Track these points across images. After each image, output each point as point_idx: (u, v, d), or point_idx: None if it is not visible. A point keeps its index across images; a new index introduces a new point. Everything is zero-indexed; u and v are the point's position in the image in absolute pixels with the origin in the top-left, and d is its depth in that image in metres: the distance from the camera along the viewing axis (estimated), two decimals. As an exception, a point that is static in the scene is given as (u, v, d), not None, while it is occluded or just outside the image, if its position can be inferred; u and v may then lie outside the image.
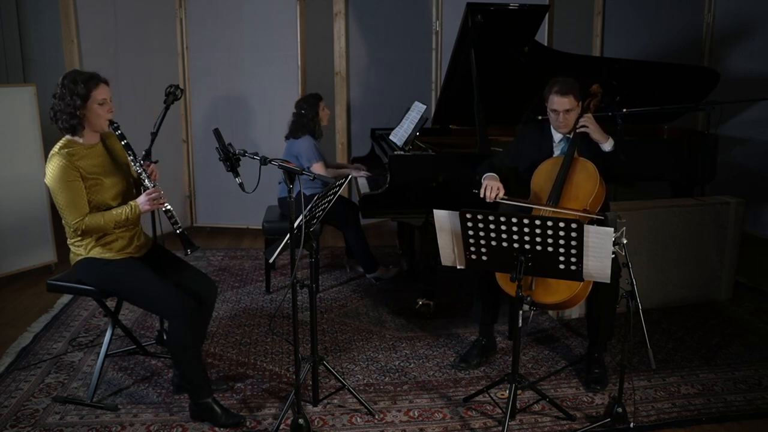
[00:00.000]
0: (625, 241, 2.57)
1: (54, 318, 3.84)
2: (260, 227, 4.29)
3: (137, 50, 5.10)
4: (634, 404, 2.92)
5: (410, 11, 5.61)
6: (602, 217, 2.80)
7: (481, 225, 2.56)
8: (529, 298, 2.69)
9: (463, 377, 3.21)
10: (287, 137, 4.39)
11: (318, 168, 4.24)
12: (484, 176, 3.21)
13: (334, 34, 5.49)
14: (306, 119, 4.29)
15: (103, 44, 4.90)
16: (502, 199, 3.06)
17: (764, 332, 3.70)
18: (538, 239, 2.51)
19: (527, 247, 2.54)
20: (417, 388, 3.11)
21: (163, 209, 2.82)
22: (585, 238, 2.45)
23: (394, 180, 3.65)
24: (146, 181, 2.82)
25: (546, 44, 5.27)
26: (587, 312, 3.33)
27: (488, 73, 3.94)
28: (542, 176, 3.14)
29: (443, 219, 2.67)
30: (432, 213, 2.72)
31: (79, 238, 2.78)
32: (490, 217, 2.52)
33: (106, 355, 3.03)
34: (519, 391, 2.93)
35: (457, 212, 2.58)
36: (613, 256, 2.48)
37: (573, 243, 2.47)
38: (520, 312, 2.63)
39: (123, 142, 2.81)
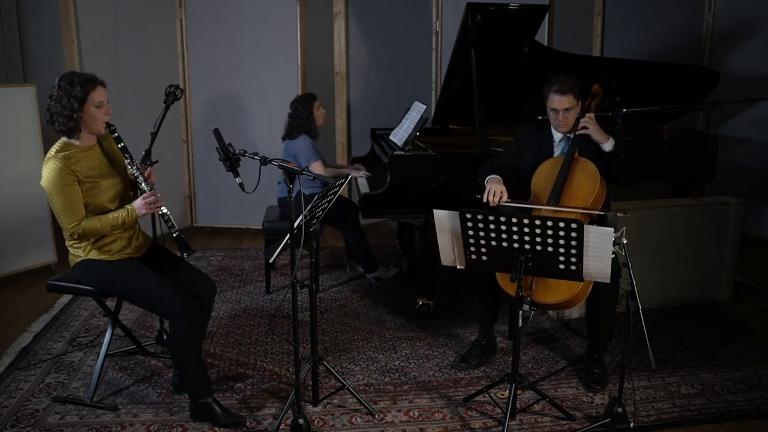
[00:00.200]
0: (625, 241, 2.57)
1: (54, 318, 3.84)
2: (260, 227, 4.29)
3: (137, 50, 5.10)
4: (634, 404, 2.92)
5: (410, 11, 5.62)
6: (603, 213, 2.80)
7: (481, 225, 2.56)
8: (529, 298, 2.69)
9: (463, 377, 3.21)
10: (284, 138, 4.40)
11: (317, 167, 4.24)
12: (487, 179, 3.20)
13: (334, 34, 5.49)
14: (301, 119, 4.29)
15: (103, 44, 4.90)
16: (506, 202, 3.05)
17: (764, 332, 3.70)
18: (538, 239, 2.51)
19: (527, 247, 2.54)
20: (417, 388, 3.11)
21: (160, 213, 2.81)
22: (585, 238, 2.45)
23: (394, 180, 3.65)
24: (143, 184, 2.81)
25: (546, 44, 5.27)
26: (587, 312, 3.33)
27: (488, 73, 3.94)
28: (543, 176, 3.14)
29: (443, 219, 2.67)
30: (432, 213, 2.72)
31: (77, 241, 2.77)
32: (490, 217, 2.52)
33: (106, 355, 3.03)
34: (519, 391, 2.93)
35: (457, 212, 2.58)
36: (613, 256, 2.48)
37: (573, 243, 2.47)
38: (520, 312, 2.63)
39: (120, 145, 2.80)
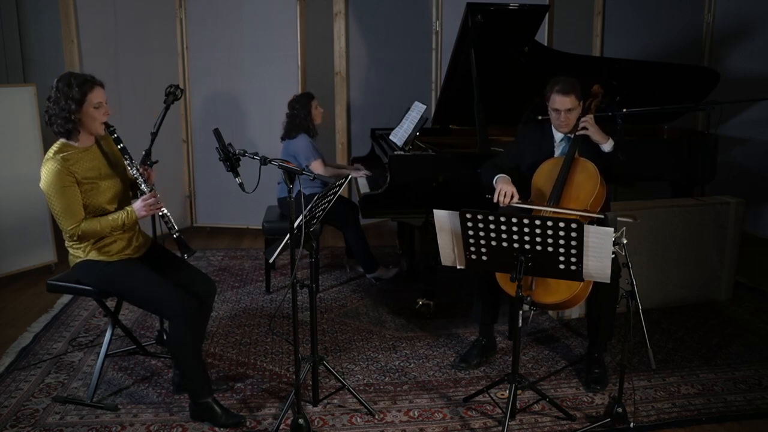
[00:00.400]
0: (625, 241, 2.57)
1: (54, 318, 3.84)
2: (260, 227, 4.29)
3: (137, 50, 5.11)
4: (634, 404, 2.92)
5: (410, 11, 5.62)
6: (602, 216, 2.80)
7: (481, 225, 2.56)
8: (529, 298, 2.69)
9: (463, 377, 3.21)
10: (283, 138, 4.40)
11: (316, 166, 4.24)
12: (496, 178, 3.19)
13: (334, 34, 5.49)
14: (299, 119, 4.30)
15: (103, 44, 4.90)
16: (517, 203, 3.04)
17: (764, 332, 3.70)
18: (538, 239, 2.51)
19: (527, 247, 2.54)
20: (417, 388, 3.11)
21: (160, 214, 2.81)
22: (585, 238, 2.45)
23: (394, 180, 3.65)
24: (143, 185, 2.80)
25: (546, 44, 5.27)
26: (587, 312, 3.33)
27: (488, 73, 3.94)
28: (543, 176, 3.14)
29: (443, 219, 2.67)
30: (432, 213, 2.72)
31: (77, 242, 2.77)
32: (490, 217, 2.52)
33: (106, 355, 3.03)
34: (519, 391, 2.93)
35: (457, 212, 2.58)
36: (613, 256, 2.48)
37: (573, 243, 2.47)
38: (520, 312, 2.63)
39: (119, 146, 2.80)
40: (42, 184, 2.66)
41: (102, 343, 3.06)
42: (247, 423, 2.79)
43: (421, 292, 3.88)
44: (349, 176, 3.37)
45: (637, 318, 2.52)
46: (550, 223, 2.46)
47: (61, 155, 2.67)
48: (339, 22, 5.46)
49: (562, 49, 4.42)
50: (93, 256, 2.78)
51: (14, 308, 4.00)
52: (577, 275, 2.55)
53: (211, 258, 5.00)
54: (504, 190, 3.07)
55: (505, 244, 2.56)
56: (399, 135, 4.11)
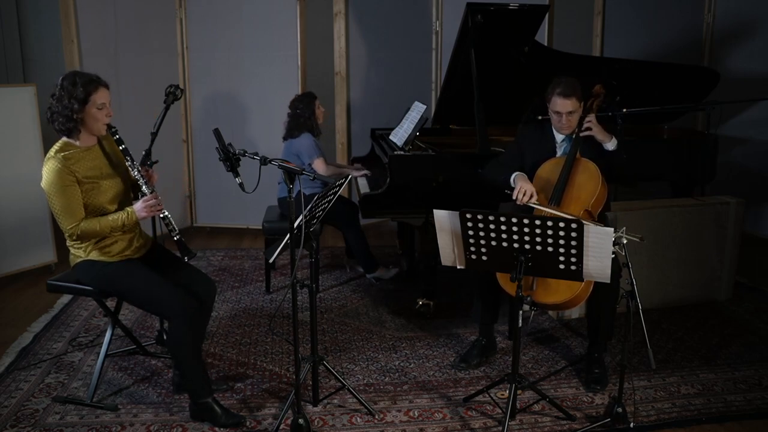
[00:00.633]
0: (625, 241, 2.57)
1: (54, 318, 3.84)
2: (260, 227, 4.29)
3: (137, 50, 5.10)
4: (634, 404, 2.92)
5: (410, 11, 5.62)
6: (602, 224, 2.80)
7: (481, 225, 2.55)
8: (529, 298, 2.69)
9: (463, 377, 3.21)
10: (285, 138, 4.40)
11: (319, 164, 4.25)
12: (514, 176, 3.18)
13: (334, 34, 5.49)
14: (303, 118, 4.30)
15: (103, 44, 4.90)
16: (535, 203, 3.03)
17: (764, 332, 3.70)
18: (538, 239, 2.51)
19: (527, 247, 2.54)
20: (417, 388, 3.11)
21: (161, 216, 2.81)
22: (585, 238, 2.45)
23: (394, 180, 3.65)
24: (144, 186, 2.80)
25: (546, 44, 5.27)
26: (587, 312, 3.33)
27: (488, 73, 3.94)
28: (544, 176, 3.14)
29: (443, 219, 2.67)
30: (432, 213, 2.72)
31: (78, 242, 2.77)
32: (490, 217, 2.52)
33: (106, 355, 3.03)
34: (519, 391, 2.92)
35: (457, 212, 2.58)
36: (613, 256, 2.48)
37: (573, 243, 2.47)
38: (520, 312, 2.63)
39: (121, 147, 2.79)
40: (43, 183, 2.66)
41: (102, 343, 3.06)
42: (247, 423, 2.79)
43: (421, 292, 3.88)
44: (350, 176, 3.37)
45: (637, 318, 2.52)
46: (550, 223, 2.46)
47: (63, 154, 2.67)
48: (339, 22, 5.46)
49: (562, 49, 4.42)
50: (94, 256, 2.78)
51: (14, 308, 4.00)
52: (577, 275, 2.55)
53: (211, 258, 5.00)
54: (524, 188, 3.05)
55: (505, 244, 2.56)
56: (399, 135, 4.11)
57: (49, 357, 3.36)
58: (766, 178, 5.29)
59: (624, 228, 2.60)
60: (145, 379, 3.16)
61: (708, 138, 4.21)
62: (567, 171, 3.05)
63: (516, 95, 4.17)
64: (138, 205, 2.75)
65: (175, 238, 2.82)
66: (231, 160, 2.69)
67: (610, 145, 3.10)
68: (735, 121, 5.40)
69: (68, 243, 2.82)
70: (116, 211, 2.77)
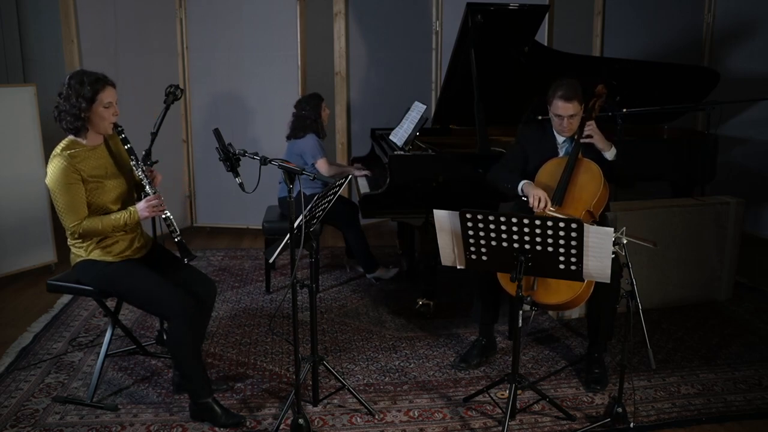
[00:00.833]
0: (625, 241, 2.57)
1: (54, 318, 3.84)
2: (260, 227, 4.29)
3: (137, 50, 5.11)
4: (634, 404, 2.92)
5: (410, 11, 5.62)
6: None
7: (481, 225, 2.55)
8: (530, 298, 2.69)
9: (463, 377, 3.21)
10: (288, 138, 4.40)
11: (322, 164, 4.26)
12: (522, 183, 3.15)
13: (334, 34, 5.49)
14: (309, 120, 4.31)
15: (103, 44, 4.90)
16: (551, 209, 3.01)
17: (764, 332, 3.70)
18: (538, 239, 2.51)
19: (527, 247, 2.54)
20: (417, 388, 3.11)
21: (163, 216, 2.80)
22: (585, 238, 2.45)
23: (394, 180, 3.65)
24: (147, 187, 2.80)
25: (546, 44, 5.27)
26: (587, 312, 3.33)
27: (488, 73, 3.94)
28: (546, 177, 3.13)
29: (443, 219, 2.67)
30: (432, 213, 2.72)
31: (79, 240, 2.77)
32: (490, 217, 2.52)
33: (106, 355, 3.03)
34: (519, 391, 2.93)
35: (457, 212, 2.58)
36: (613, 256, 2.48)
37: (573, 243, 2.47)
38: (520, 312, 2.64)
39: (127, 147, 2.80)
40: (47, 180, 2.66)
41: (102, 343, 3.06)
42: (247, 423, 2.79)
43: (421, 292, 3.88)
44: (350, 176, 3.37)
45: (637, 318, 2.52)
46: (550, 223, 2.46)
47: (69, 152, 2.67)
48: (339, 22, 5.46)
49: (562, 49, 4.42)
50: (95, 255, 2.78)
51: (14, 308, 4.00)
52: (577, 275, 2.55)
53: (211, 258, 5.00)
54: (539, 195, 3.03)
55: (505, 244, 2.56)
56: (399, 135, 4.11)
57: (49, 357, 3.36)
58: (766, 178, 5.29)
59: (624, 228, 2.60)
60: (145, 379, 3.16)
61: (708, 138, 4.21)
62: (569, 171, 3.05)
63: (516, 95, 4.17)
64: (140, 205, 2.75)
65: (176, 240, 2.82)
66: (231, 160, 2.69)
67: (609, 154, 3.10)
68: (735, 121, 5.40)
69: (69, 242, 2.83)
70: (119, 210, 2.77)
